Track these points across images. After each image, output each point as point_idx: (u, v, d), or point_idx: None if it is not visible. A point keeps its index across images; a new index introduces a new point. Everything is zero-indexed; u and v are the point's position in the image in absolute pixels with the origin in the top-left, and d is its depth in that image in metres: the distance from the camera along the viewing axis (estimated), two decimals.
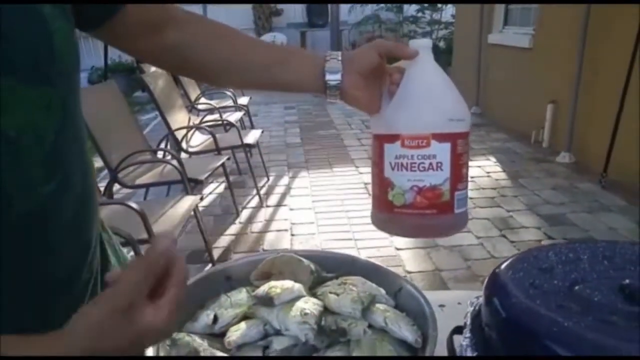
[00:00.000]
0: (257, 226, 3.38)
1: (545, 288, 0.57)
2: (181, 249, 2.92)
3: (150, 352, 0.55)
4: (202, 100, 4.76)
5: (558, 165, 4.35)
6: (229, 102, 4.98)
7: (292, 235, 3.23)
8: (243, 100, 5.13)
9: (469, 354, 0.58)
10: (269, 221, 3.46)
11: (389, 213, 0.67)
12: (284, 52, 0.72)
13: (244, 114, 4.84)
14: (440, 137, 0.64)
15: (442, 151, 0.64)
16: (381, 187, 0.68)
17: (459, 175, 0.66)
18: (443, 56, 9.98)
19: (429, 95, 0.66)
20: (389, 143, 0.66)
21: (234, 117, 4.49)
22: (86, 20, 0.59)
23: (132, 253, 2.27)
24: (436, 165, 0.64)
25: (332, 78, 0.66)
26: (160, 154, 3.28)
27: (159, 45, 0.68)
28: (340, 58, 0.67)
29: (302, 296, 0.64)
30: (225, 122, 4.15)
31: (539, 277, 0.59)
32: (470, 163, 0.73)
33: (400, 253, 2.90)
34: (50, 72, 0.50)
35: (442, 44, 10.63)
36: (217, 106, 4.49)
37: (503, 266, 0.62)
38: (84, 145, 0.59)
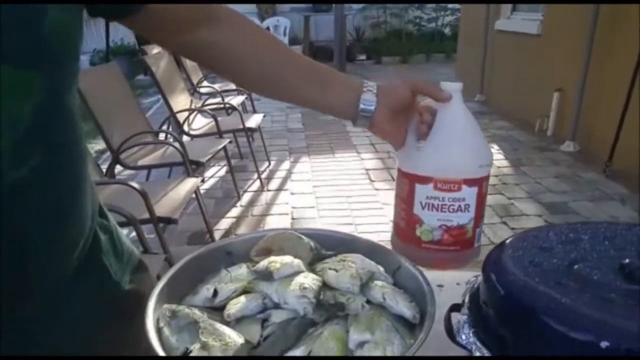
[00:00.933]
0: (257, 209, 3.39)
1: (544, 266, 0.57)
2: (182, 230, 2.93)
3: (160, 352, 0.54)
4: (205, 83, 4.74)
5: (562, 154, 4.34)
6: (231, 86, 4.95)
7: (293, 219, 3.24)
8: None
9: (466, 330, 0.58)
10: (270, 205, 3.47)
11: (415, 246, 0.73)
12: (327, 75, 0.73)
13: (246, 98, 4.83)
14: (470, 182, 0.70)
15: (470, 194, 0.70)
16: (409, 222, 0.73)
17: (480, 214, 0.73)
18: (448, 43, 9.91)
19: (462, 142, 0.71)
20: (420, 184, 0.71)
21: (236, 100, 4.47)
22: (102, 14, 0.58)
23: (133, 234, 2.28)
24: (464, 207, 0.70)
25: (366, 109, 0.70)
26: (162, 136, 3.27)
27: (188, 42, 0.66)
28: (375, 90, 0.70)
29: (302, 271, 0.64)
30: (227, 105, 4.14)
31: (539, 256, 0.59)
32: None
33: None
34: (38, 57, 0.48)
35: (447, 30, 10.55)
36: (219, 90, 4.47)
37: (502, 245, 0.62)
38: (76, 134, 0.57)
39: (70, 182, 0.57)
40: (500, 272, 0.58)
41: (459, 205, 0.70)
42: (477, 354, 0.56)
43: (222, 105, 4.16)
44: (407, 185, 0.73)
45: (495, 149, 4.54)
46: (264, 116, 4.28)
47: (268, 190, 3.72)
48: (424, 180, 0.70)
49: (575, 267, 0.56)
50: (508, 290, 0.56)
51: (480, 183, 0.70)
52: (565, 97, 4.61)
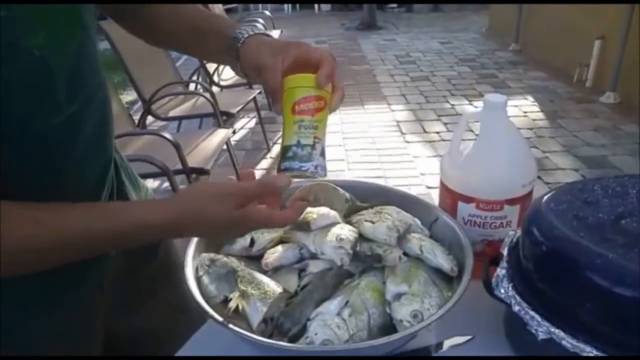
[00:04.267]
0: None
1: (589, 221, 0.55)
2: (213, 182, 2.98)
3: (200, 301, 0.56)
4: None
5: (601, 105, 4.15)
6: None
7: None
8: (274, 34, 5.00)
9: (505, 284, 0.58)
10: None
11: None
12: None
13: None
14: (512, 202, 0.69)
15: (512, 212, 0.69)
16: None
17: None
18: None
19: (506, 166, 0.69)
20: (463, 202, 0.70)
21: None
22: None
23: (165, 184, 2.31)
24: (506, 224, 0.70)
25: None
26: (192, 87, 3.27)
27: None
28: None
29: (338, 223, 0.64)
30: None
31: (583, 210, 0.57)
32: None
33: (432, 192, 2.88)
34: None
35: None
36: None
37: (545, 198, 0.61)
38: (99, 64, 0.61)
39: (106, 111, 0.62)
40: (543, 226, 0.56)
41: (501, 223, 0.70)
42: (516, 308, 0.55)
43: None
44: (449, 199, 0.72)
45: (530, 100, 4.38)
46: None
47: None
48: (466, 199, 0.70)
49: (623, 222, 0.54)
50: (551, 244, 0.54)
51: (522, 200, 0.69)
52: (607, 45, 4.36)
